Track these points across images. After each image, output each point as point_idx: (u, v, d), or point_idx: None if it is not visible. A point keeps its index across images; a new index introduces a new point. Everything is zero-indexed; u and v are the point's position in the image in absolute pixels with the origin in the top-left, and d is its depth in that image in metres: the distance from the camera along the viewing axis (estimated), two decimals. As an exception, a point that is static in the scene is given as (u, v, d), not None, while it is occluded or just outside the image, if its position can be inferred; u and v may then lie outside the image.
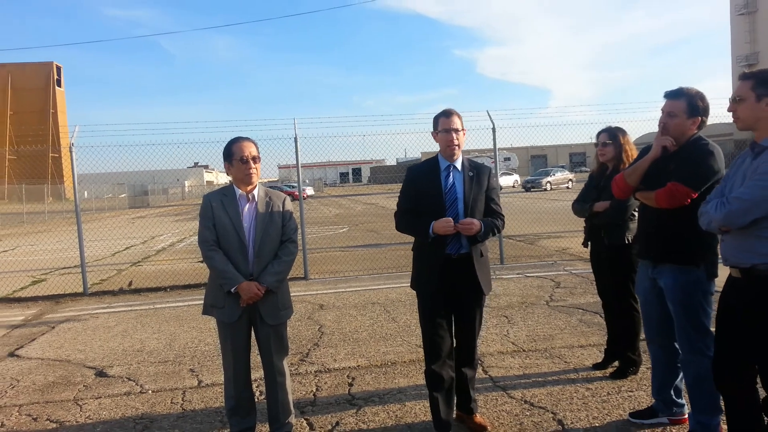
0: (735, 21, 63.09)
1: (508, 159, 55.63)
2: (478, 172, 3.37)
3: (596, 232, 4.22)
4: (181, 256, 12.51)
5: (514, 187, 42.15)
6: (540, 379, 4.26)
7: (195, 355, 5.22)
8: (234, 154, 3.23)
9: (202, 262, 11.55)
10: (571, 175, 39.81)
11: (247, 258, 3.22)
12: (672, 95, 3.20)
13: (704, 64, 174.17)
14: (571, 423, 3.52)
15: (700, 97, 3.17)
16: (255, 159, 3.26)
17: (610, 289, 4.25)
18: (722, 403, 3.05)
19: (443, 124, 3.30)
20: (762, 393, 2.70)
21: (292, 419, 3.46)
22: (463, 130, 3.33)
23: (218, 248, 3.21)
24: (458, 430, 3.45)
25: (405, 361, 4.79)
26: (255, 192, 3.31)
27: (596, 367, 4.39)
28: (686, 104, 3.14)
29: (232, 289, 3.16)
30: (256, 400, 3.59)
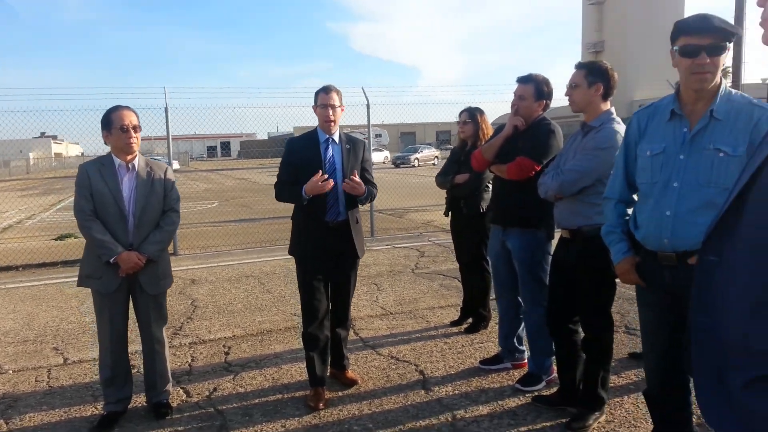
0: (586, 10, 68.64)
1: (380, 135, 56.68)
2: (354, 145, 3.62)
3: (456, 203, 4.66)
4: (32, 234, 11.58)
5: (384, 163, 43.14)
6: (405, 337, 4.67)
7: (58, 334, 5.02)
8: (114, 123, 3.21)
9: (57, 239, 10.75)
10: (437, 152, 41.54)
11: (126, 228, 3.23)
12: (522, 80, 3.65)
13: (560, 51, 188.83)
14: (431, 372, 3.94)
15: (546, 82, 3.64)
16: (136, 128, 3.26)
17: (467, 253, 4.72)
18: (553, 346, 3.62)
19: (322, 99, 3.49)
20: (582, 334, 3.23)
21: (170, 387, 3.55)
22: (341, 106, 3.55)
23: (96, 218, 3.18)
24: (332, 385, 3.72)
25: (281, 329, 4.99)
26: (135, 161, 3.30)
27: (453, 324, 4.89)
28: (534, 89, 3.59)
29: (111, 260, 3.15)
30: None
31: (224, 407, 3.54)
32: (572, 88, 3.11)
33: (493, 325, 4.73)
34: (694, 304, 1.38)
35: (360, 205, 3.65)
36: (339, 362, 3.80)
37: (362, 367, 4.05)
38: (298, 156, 3.57)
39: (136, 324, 3.44)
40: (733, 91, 2.26)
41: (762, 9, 1.26)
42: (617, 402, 3.36)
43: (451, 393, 3.62)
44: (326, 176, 3.41)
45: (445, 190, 4.83)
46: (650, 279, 2.41)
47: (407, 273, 6.92)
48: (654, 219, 2.33)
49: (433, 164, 37.38)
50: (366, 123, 10.53)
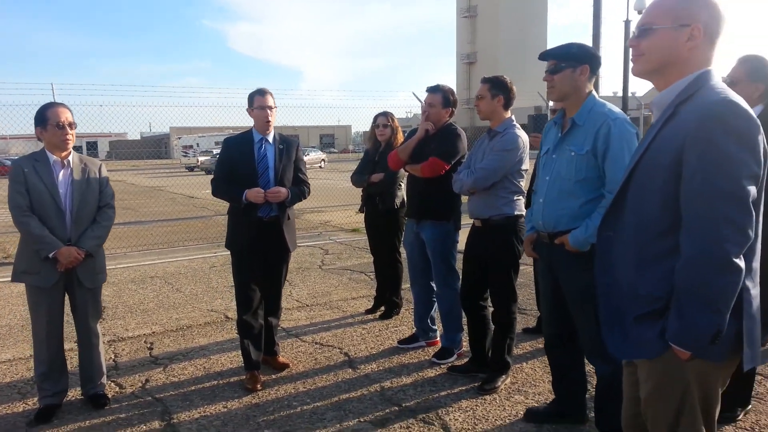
0: (460, 23, 72.22)
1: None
2: (288, 145, 3.89)
3: (372, 200, 5.06)
4: None
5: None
6: (325, 325, 4.99)
7: (-43, 340, 4.77)
8: (49, 119, 3.26)
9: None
10: (323, 155, 41.84)
11: (64, 223, 3.29)
12: (432, 90, 4.12)
13: (436, 59, 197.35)
14: (354, 354, 4.31)
15: (452, 92, 4.15)
16: (71, 125, 3.32)
17: (381, 246, 5.14)
18: (464, 323, 4.14)
19: (259, 101, 3.73)
20: (491, 309, 3.76)
21: (104, 380, 3.62)
22: (275, 107, 3.81)
23: (32, 214, 3.21)
24: (264, 370, 3.96)
25: (200, 324, 5.11)
26: (70, 158, 3.36)
27: (368, 311, 5.29)
28: (442, 97, 4.08)
29: (51, 254, 3.19)
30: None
31: (161, 395, 3.68)
32: (478, 99, 3.64)
33: (403, 312, 5.20)
34: (598, 269, 1.89)
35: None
36: (270, 348, 4.05)
37: (290, 353, 4.33)
38: (233, 155, 3.78)
39: (70, 318, 3.49)
40: (605, 103, 2.82)
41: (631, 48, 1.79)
42: (517, 368, 3.93)
43: (376, 369, 4.01)
44: (275, 192, 3.68)
45: (360, 188, 5.22)
46: (538, 252, 2.99)
47: (315, 269, 7.23)
48: (536, 205, 2.92)
49: (320, 167, 37.65)
50: (299, 125, 10.66)
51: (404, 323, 4.97)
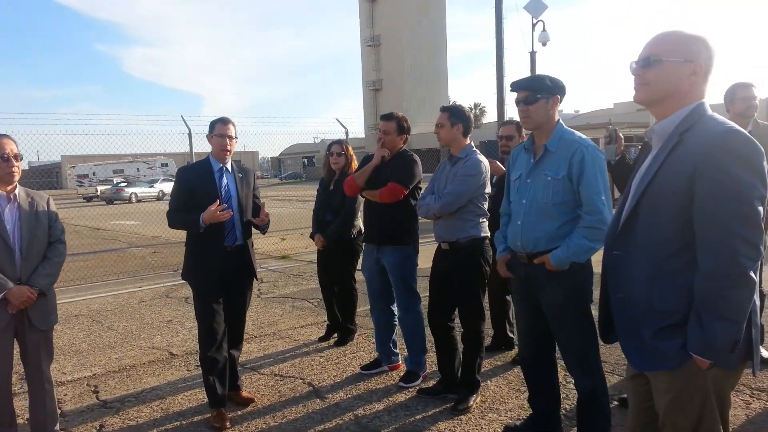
0: (364, 51, 73.55)
1: (166, 165, 53.88)
2: (246, 174, 3.81)
3: (325, 228, 5.02)
4: None
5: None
6: (280, 356, 4.87)
7: None
8: None
9: None
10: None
11: (13, 261, 3.04)
12: (386, 118, 4.20)
13: (340, 86, 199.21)
14: (319, 383, 4.23)
15: (405, 120, 4.25)
16: (17, 156, 3.08)
17: (335, 273, 5.10)
18: (427, 344, 4.19)
19: (219, 129, 3.63)
20: (459, 330, 3.84)
21: (58, 427, 3.34)
22: (235, 138, 3.72)
23: None
24: (228, 406, 3.79)
25: (144, 363, 4.82)
26: (16, 192, 3.11)
27: (321, 339, 5.22)
28: (396, 125, 4.16)
29: (0, 296, 2.93)
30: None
31: (122, 442, 3.44)
32: (438, 127, 3.76)
33: (357, 337, 5.19)
34: (611, 286, 2.01)
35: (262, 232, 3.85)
36: (233, 383, 3.89)
37: (250, 387, 4.18)
38: (193, 184, 3.65)
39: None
40: (573, 131, 3.02)
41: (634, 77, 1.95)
42: (484, 386, 4.02)
43: (345, 397, 3.96)
44: (225, 206, 3.56)
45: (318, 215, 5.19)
46: (515, 272, 3.11)
47: (255, 299, 7.01)
48: (512, 227, 3.04)
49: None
50: (189, 151, 10.35)
51: (361, 349, 4.95)
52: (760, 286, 4.02)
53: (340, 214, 4.89)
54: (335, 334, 5.22)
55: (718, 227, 1.70)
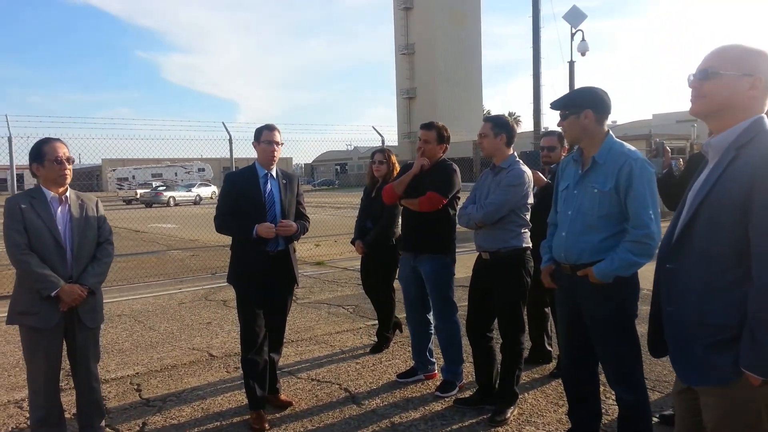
0: (399, 59, 73.83)
1: (203, 170, 54.91)
2: (290, 180, 3.89)
3: (365, 235, 5.07)
4: None
5: (212, 198, 41.95)
6: (317, 361, 4.93)
7: None
8: (47, 155, 3.15)
9: None
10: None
11: (65, 261, 3.17)
12: (426, 127, 4.23)
13: (371, 94, 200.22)
14: (355, 389, 4.27)
15: (444, 128, 4.27)
16: (69, 159, 3.22)
17: (375, 282, 5.13)
18: (464, 355, 4.19)
19: (266, 136, 3.73)
20: (498, 340, 3.84)
21: (104, 423, 3.45)
22: (281, 143, 3.80)
23: (32, 252, 3.06)
24: (266, 408, 3.85)
25: (185, 363, 4.93)
26: (67, 194, 3.26)
27: (373, 350, 5.18)
28: (436, 134, 4.19)
29: (53, 293, 3.05)
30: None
31: (165, 440, 3.53)
32: (482, 137, 3.77)
33: (393, 344, 5.22)
34: (663, 299, 1.99)
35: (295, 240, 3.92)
36: (273, 386, 3.96)
37: (288, 391, 4.24)
38: (239, 189, 3.75)
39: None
40: (623, 143, 3.00)
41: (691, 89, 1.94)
42: (522, 398, 3.99)
43: (381, 404, 3.99)
44: (282, 222, 3.71)
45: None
46: (558, 283, 3.09)
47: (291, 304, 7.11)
48: (558, 238, 3.03)
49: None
50: (229, 156, 10.60)
51: (396, 357, 4.97)
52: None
53: (379, 221, 4.93)
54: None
55: (766, 238, 1.68)
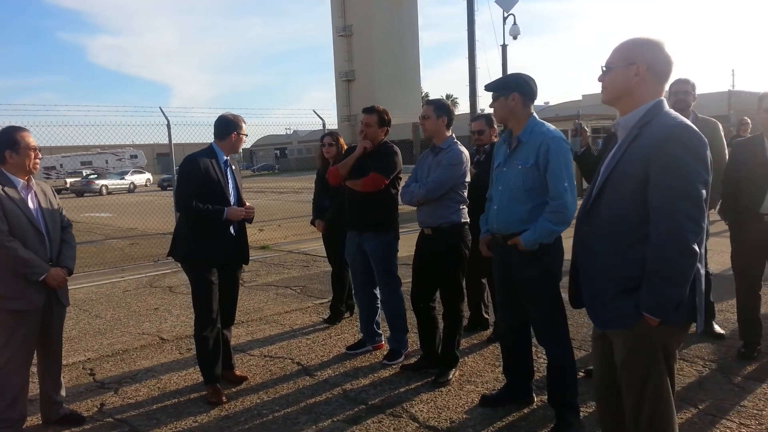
0: (337, 41, 73.19)
1: (135, 156, 53.08)
2: (235, 167, 4.05)
3: (324, 214, 5.32)
4: None
5: (147, 186, 40.80)
6: (268, 339, 5.11)
7: None
8: (20, 143, 3.27)
9: None
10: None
11: (45, 245, 3.34)
12: (368, 111, 4.45)
13: (311, 77, 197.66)
14: (307, 362, 4.49)
15: (386, 113, 4.49)
16: (37, 148, 3.32)
17: (338, 254, 5.31)
18: (408, 325, 4.48)
19: (244, 129, 3.99)
20: (440, 310, 4.13)
21: (64, 392, 3.65)
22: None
23: (14, 238, 3.15)
24: (222, 384, 4.02)
25: (136, 348, 5.01)
26: (32, 181, 3.37)
27: (325, 321, 5.50)
28: (377, 118, 4.42)
29: (41, 278, 3.20)
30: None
31: (123, 416, 3.65)
32: (424, 119, 4.03)
33: (342, 319, 5.47)
34: (579, 256, 2.31)
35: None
36: (227, 362, 4.12)
37: (242, 367, 4.41)
38: (206, 174, 3.81)
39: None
40: (544, 123, 3.32)
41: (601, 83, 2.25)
42: (462, 362, 4.30)
43: (332, 375, 4.22)
44: (251, 207, 3.97)
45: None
46: (494, 252, 3.42)
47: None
48: (492, 211, 3.35)
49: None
50: (163, 142, 10.46)
51: (345, 331, 5.22)
52: (706, 267, 4.44)
53: (337, 199, 5.12)
54: (347, 313, 5.56)
55: (668, 206, 2.00)
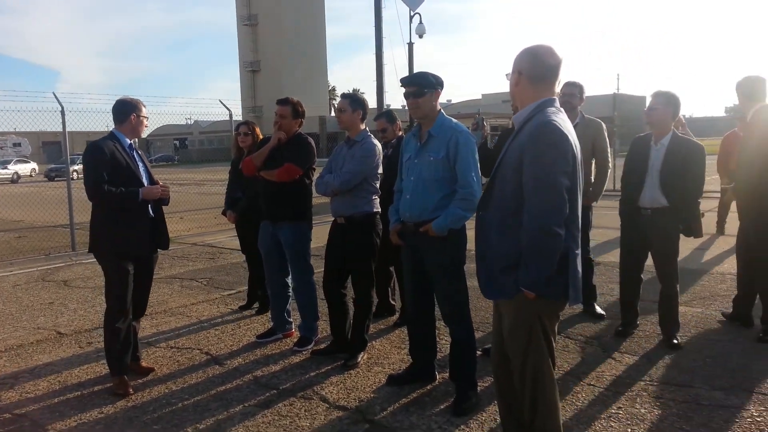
0: (241, 30, 71.34)
1: (19, 145, 49.06)
2: (141, 152, 3.99)
3: (236, 204, 5.32)
4: None
5: (32, 176, 37.94)
6: (174, 331, 5.04)
7: None
8: None
9: None
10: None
11: None
12: (282, 102, 4.51)
13: (218, 65, 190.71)
14: (216, 352, 4.49)
15: (300, 104, 4.57)
16: None
17: (251, 244, 5.28)
18: (318, 311, 4.60)
19: (144, 111, 3.93)
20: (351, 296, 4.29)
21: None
22: None
23: None
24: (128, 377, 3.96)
25: (32, 342, 4.78)
26: None
27: (243, 308, 5.57)
28: (291, 109, 4.49)
29: None
30: None
31: (22, 411, 3.52)
32: (340, 112, 4.16)
33: (252, 308, 5.49)
34: (476, 238, 2.56)
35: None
36: (134, 353, 4.04)
37: (148, 359, 4.34)
38: (114, 158, 3.73)
39: None
40: (451, 119, 3.56)
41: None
42: (370, 345, 4.47)
43: (243, 363, 4.27)
44: (165, 185, 3.92)
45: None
46: (404, 240, 3.62)
47: (140, 279, 7.02)
48: (404, 201, 3.55)
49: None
50: (53, 129, 9.87)
51: (255, 321, 5.25)
52: (589, 254, 4.86)
53: (249, 189, 5.11)
54: (256, 303, 5.54)
55: (534, 193, 2.30)
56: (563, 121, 2.39)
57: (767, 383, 3.66)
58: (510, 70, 2.49)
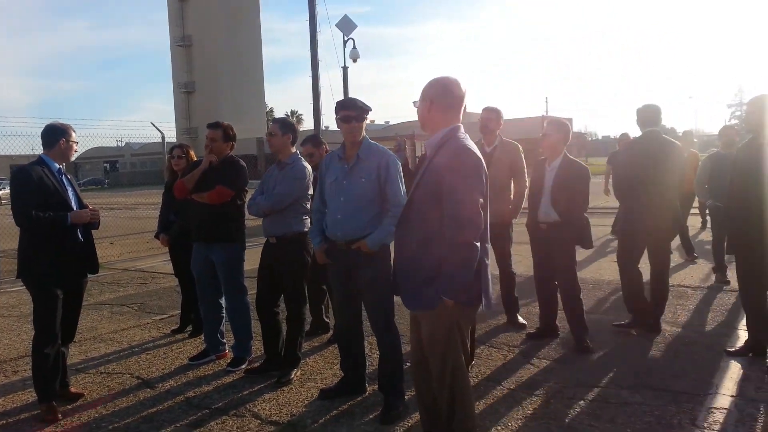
0: (174, 51, 70.16)
1: (-68, 169, 46.20)
2: (71, 177, 4.01)
3: (169, 228, 5.35)
4: None
5: (-53, 202, 35.69)
6: (104, 357, 4.98)
7: None
8: None
9: None
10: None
11: None
12: (212, 126, 4.62)
13: (150, 85, 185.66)
14: (148, 376, 4.49)
15: (231, 128, 4.70)
16: None
17: (184, 267, 5.25)
18: (252, 331, 4.68)
19: (73, 136, 3.94)
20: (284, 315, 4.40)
21: None
22: None
23: None
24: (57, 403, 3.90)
25: (-49, 374, 4.61)
26: None
27: (175, 331, 5.54)
28: (222, 133, 4.60)
29: None
30: None
31: (-58, 445, 3.42)
32: (271, 136, 4.30)
33: (184, 332, 5.49)
34: (396, 254, 2.77)
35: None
36: (62, 379, 4.00)
37: (77, 385, 4.27)
38: (40, 184, 3.71)
39: None
40: (377, 143, 3.79)
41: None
42: (303, 362, 4.58)
43: (175, 385, 4.28)
44: (95, 208, 3.91)
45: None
46: (333, 258, 3.77)
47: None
48: (333, 221, 3.72)
49: (19, 203, 32.82)
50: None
51: (187, 344, 5.25)
52: (511, 267, 5.16)
53: (182, 212, 5.13)
54: (189, 326, 5.53)
55: (453, 211, 2.55)
56: (473, 145, 2.66)
57: (666, 381, 4.02)
58: (420, 98, 2.72)
